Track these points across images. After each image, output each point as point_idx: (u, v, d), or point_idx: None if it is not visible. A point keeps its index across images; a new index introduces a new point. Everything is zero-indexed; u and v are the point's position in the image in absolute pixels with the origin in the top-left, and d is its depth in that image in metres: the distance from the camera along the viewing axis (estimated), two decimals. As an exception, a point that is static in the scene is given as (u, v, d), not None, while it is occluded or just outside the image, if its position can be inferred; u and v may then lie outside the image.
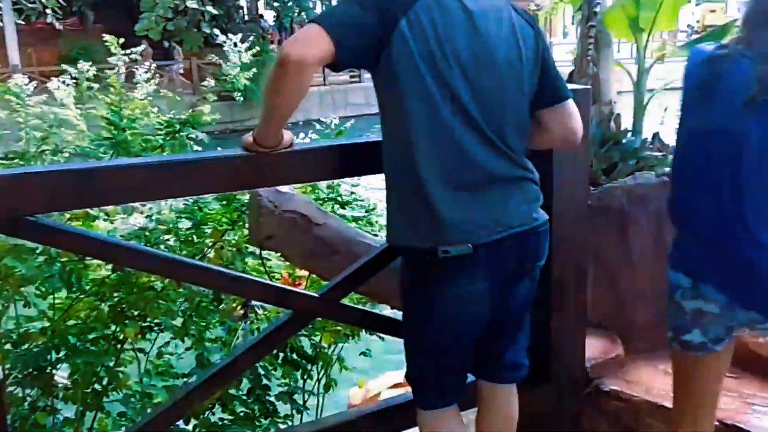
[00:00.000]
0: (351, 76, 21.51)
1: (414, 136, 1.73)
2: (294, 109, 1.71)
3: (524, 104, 1.86)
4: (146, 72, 4.49)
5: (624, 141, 3.33)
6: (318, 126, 4.87)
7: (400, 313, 2.05)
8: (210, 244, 3.38)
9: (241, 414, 3.39)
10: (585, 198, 2.55)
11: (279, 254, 3.18)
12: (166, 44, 20.62)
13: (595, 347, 2.78)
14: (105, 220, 3.26)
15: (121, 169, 1.82)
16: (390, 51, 1.68)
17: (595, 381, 2.71)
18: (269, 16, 24.26)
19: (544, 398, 2.53)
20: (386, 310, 2.93)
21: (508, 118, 1.82)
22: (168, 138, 3.98)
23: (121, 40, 4.77)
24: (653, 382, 2.72)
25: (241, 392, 3.43)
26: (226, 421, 3.36)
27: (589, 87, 2.63)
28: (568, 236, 2.46)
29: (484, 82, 1.75)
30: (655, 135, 3.42)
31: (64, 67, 5.01)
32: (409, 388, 2.08)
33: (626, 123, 3.46)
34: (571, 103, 1.94)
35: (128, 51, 4.81)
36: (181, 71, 20.23)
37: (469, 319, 1.87)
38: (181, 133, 3.96)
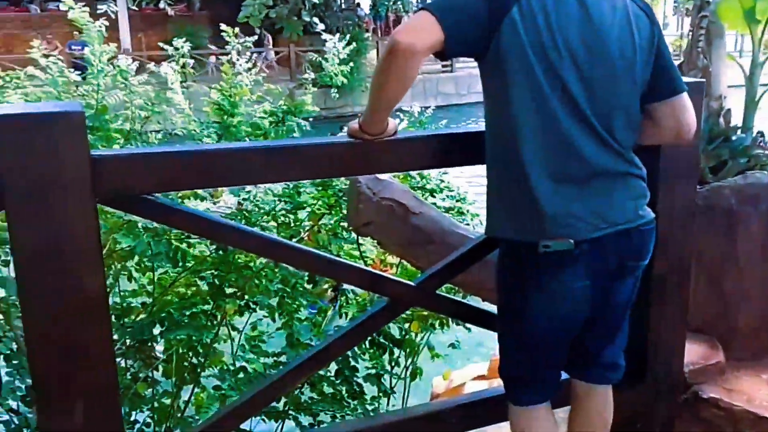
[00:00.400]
0: (443, 66, 21.42)
1: (519, 126, 1.71)
2: (401, 96, 1.72)
3: (635, 96, 1.80)
4: (247, 61, 4.60)
5: (734, 138, 3.18)
6: (401, 115, 4.89)
7: (494, 305, 2.04)
8: (307, 228, 3.45)
9: (329, 394, 3.46)
10: (693, 196, 2.45)
11: (374, 240, 3.22)
12: (258, 31, 21.11)
13: (694, 352, 2.69)
14: (195, 199, 3.37)
15: (238, 152, 1.88)
16: (499, 40, 1.66)
17: (694, 387, 2.62)
18: (365, 5, 24.44)
19: (638, 399, 2.47)
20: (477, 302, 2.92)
21: (618, 111, 1.77)
22: (273, 125, 4.09)
23: (235, 30, 4.90)
24: (755, 392, 2.61)
25: (329, 373, 3.50)
26: (314, 400, 3.43)
27: (702, 80, 2.53)
28: (673, 234, 2.37)
29: (594, 73, 1.71)
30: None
31: (168, 49, 5.19)
32: (493, 381, 2.07)
33: (737, 119, 3.30)
34: (685, 97, 1.86)
35: (243, 40, 4.94)
36: (275, 59, 20.68)
37: (567, 316, 1.84)
38: (286, 121, 4.06)
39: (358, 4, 24.39)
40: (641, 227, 1.85)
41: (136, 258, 3.18)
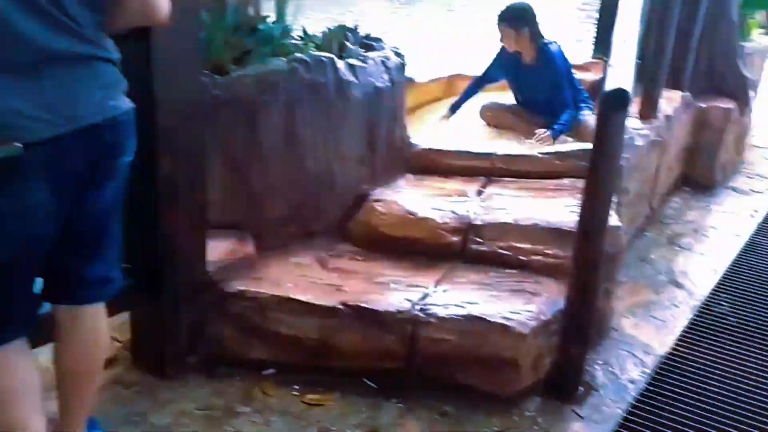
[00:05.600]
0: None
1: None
2: None
3: None
4: None
5: (261, 27, 3.11)
6: None
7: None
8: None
9: None
10: (199, 85, 2.30)
11: None
12: None
13: (222, 249, 2.62)
14: None
15: None
16: None
17: (221, 284, 2.57)
18: None
19: (158, 309, 2.33)
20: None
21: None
22: None
23: None
24: (283, 277, 2.66)
25: None
26: None
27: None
28: (179, 129, 2.20)
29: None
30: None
31: None
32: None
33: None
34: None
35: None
36: None
37: (27, 235, 1.54)
38: None
39: None
40: (115, 120, 1.62)
41: None
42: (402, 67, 3.12)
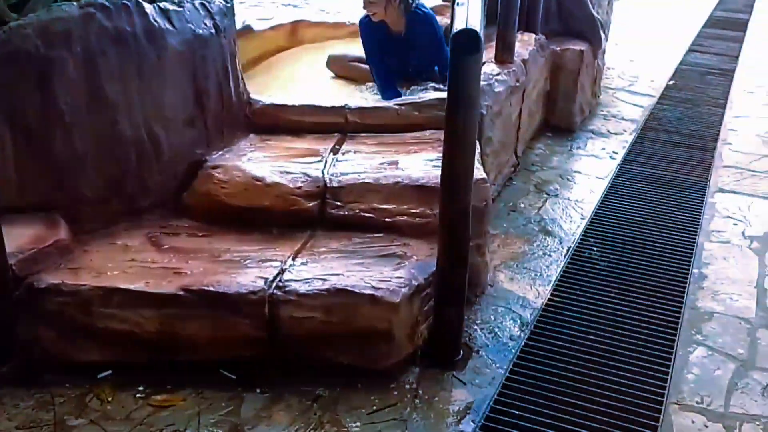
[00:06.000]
0: None
1: None
2: None
3: None
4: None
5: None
6: None
7: None
8: None
9: None
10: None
11: None
12: None
13: (24, 237, 2.16)
14: None
15: None
16: None
17: (29, 278, 2.10)
18: None
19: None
20: None
21: None
22: None
23: None
24: (107, 263, 2.23)
25: None
26: None
27: None
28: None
29: None
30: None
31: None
32: None
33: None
34: None
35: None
36: None
37: None
38: None
39: None
40: None
41: None
42: (229, 11, 2.70)
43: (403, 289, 2.18)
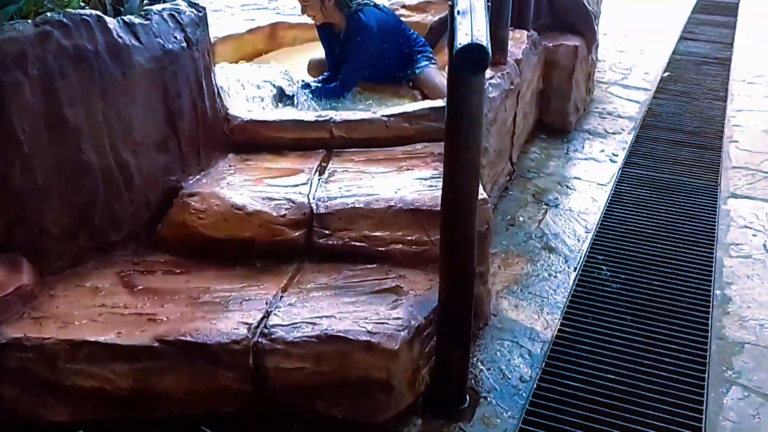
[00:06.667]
0: None
1: None
2: None
3: None
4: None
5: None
6: None
7: None
8: None
9: None
10: None
11: None
12: None
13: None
14: None
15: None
16: None
17: (-13, 333, 1.88)
18: None
19: None
20: None
21: None
22: None
23: None
24: (75, 310, 2.01)
25: None
26: None
27: None
28: None
29: None
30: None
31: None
32: None
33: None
34: None
35: None
36: None
37: None
38: None
39: None
40: None
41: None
42: (201, 20, 2.45)
43: (402, 333, 1.97)
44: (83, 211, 2.17)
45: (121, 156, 2.19)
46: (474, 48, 1.63)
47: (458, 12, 1.80)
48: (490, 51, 1.69)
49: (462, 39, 1.68)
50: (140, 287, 2.13)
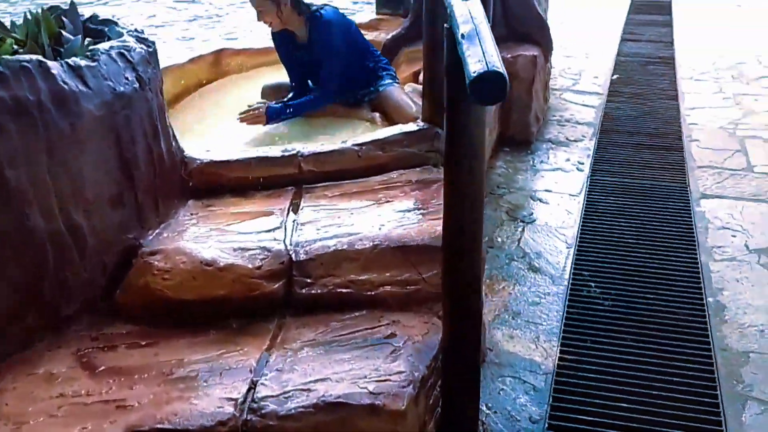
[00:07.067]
0: None
1: None
2: None
3: None
4: None
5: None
6: None
7: None
8: None
9: None
10: None
11: None
12: None
13: None
14: None
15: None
16: None
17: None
18: None
19: None
20: None
21: None
22: None
23: None
24: (27, 405, 1.74)
25: None
26: None
27: None
28: None
29: None
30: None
31: None
32: None
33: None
34: None
35: None
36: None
37: None
38: None
39: None
40: None
41: None
42: (152, 56, 2.20)
43: (407, 389, 1.77)
44: (30, 285, 1.89)
45: (71, 218, 1.93)
46: (491, 76, 1.43)
47: (462, 36, 1.58)
48: (507, 78, 1.49)
49: (475, 67, 1.45)
50: (102, 368, 1.86)
